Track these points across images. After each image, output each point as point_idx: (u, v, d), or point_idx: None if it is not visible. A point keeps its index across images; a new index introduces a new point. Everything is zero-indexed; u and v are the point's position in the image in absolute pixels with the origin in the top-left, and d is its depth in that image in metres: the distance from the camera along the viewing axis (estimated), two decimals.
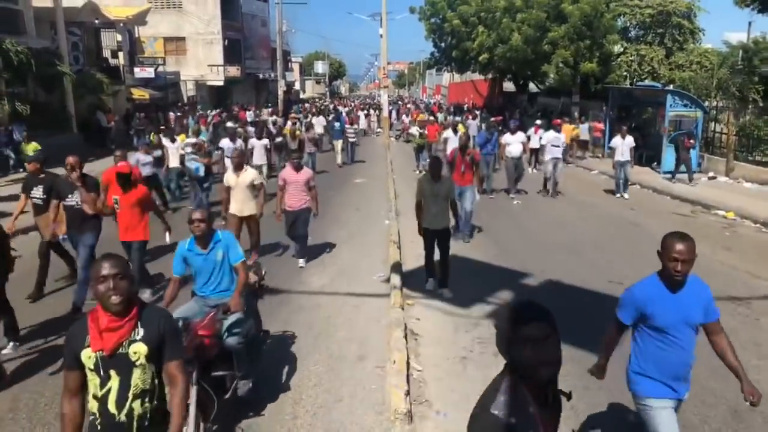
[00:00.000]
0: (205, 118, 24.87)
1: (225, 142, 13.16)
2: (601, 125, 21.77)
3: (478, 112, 28.68)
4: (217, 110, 30.75)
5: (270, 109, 33.60)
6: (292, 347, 5.94)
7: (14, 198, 12.08)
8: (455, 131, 15.48)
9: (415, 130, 17.96)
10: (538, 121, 18.92)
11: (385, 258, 8.96)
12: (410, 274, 8.25)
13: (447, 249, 7.55)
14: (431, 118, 24.28)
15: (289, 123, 19.34)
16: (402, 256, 9.02)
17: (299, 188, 8.36)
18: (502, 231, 10.80)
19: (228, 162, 12.09)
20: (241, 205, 8.31)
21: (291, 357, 5.72)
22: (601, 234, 10.80)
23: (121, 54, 28.73)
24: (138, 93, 28.16)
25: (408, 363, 5.44)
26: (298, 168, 8.44)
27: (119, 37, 28.52)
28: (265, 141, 14.28)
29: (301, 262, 8.68)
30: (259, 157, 13.85)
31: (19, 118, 17.94)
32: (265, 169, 13.73)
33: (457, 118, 24.43)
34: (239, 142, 13.36)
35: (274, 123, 23.00)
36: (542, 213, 12.64)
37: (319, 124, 22.29)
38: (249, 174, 8.39)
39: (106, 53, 28.70)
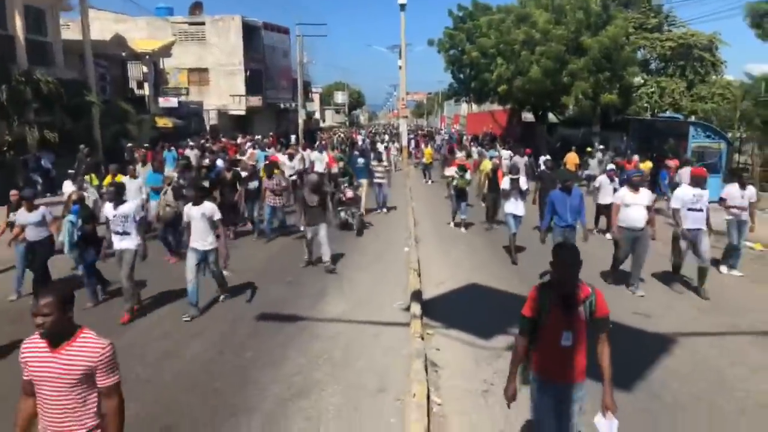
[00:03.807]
0: (183, 149, 21.16)
1: (107, 208, 7.69)
2: (676, 162, 16.02)
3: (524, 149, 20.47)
4: (191, 142, 23.77)
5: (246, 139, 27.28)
6: (312, 376, 5.87)
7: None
8: (514, 172, 11.00)
9: (452, 171, 14.28)
10: (611, 165, 13.81)
11: (405, 285, 8.88)
12: (430, 302, 8.15)
13: None
14: (460, 154, 20.29)
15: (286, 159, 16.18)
16: (422, 283, 8.94)
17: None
18: (525, 262, 10.54)
19: (118, 240, 7.52)
20: None
21: (310, 386, 5.63)
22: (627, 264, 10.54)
23: (146, 84, 29.44)
24: (162, 122, 28.74)
25: (428, 396, 5.33)
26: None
27: (145, 69, 29.25)
28: (206, 208, 7.77)
29: None
30: (200, 237, 7.73)
31: (47, 145, 18.38)
32: (212, 258, 7.84)
33: (496, 153, 19.54)
34: (128, 206, 7.60)
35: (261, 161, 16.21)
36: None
37: (291, 167, 16.68)
38: None
39: (132, 84, 29.45)
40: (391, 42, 49.89)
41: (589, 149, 20.42)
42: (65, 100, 19.30)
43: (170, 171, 13.05)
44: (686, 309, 8.04)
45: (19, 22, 18.76)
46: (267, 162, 14.26)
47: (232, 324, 7.40)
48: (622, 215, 8.61)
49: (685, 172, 13.68)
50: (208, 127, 35.54)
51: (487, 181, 13.81)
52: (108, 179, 11.89)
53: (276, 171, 12.79)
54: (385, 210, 15.82)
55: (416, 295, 8.15)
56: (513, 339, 6.70)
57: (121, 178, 11.67)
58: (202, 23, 38.29)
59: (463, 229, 13.57)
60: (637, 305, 8.01)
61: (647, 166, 15.66)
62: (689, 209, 8.45)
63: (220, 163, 15.05)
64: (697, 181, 8.68)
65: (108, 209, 7.62)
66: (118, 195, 7.66)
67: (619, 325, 7.31)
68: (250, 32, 39.38)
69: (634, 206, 8.51)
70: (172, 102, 30.33)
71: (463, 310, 8.03)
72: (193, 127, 33.13)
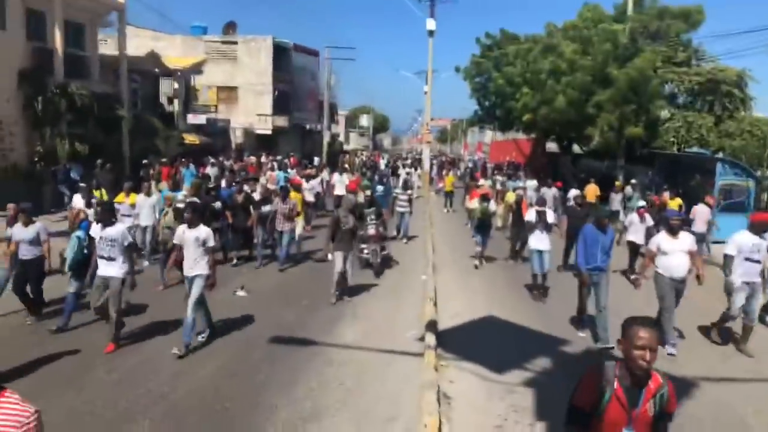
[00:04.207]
0: (205, 165, 21.72)
1: (94, 229, 7.14)
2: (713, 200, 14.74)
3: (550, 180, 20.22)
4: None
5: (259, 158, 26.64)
6: (323, 402, 5.83)
7: (65, 234, 12.51)
8: (540, 204, 10.42)
9: (475, 203, 12.96)
10: (641, 202, 12.81)
11: (420, 314, 8.81)
12: (445, 333, 8.06)
13: None
14: (482, 182, 20.20)
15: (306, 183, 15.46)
16: (438, 313, 8.86)
17: None
18: (548, 300, 10.21)
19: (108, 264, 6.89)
20: None
21: (321, 412, 5.60)
22: (648, 303, 10.28)
23: (176, 101, 30.05)
24: (189, 138, 29.23)
25: (440, 428, 5.25)
26: None
27: (176, 85, 29.90)
28: (201, 232, 7.09)
29: None
30: (190, 262, 7.11)
31: (77, 157, 18.81)
32: (198, 284, 7.02)
33: (520, 184, 19.34)
34: (116, 229, 6.99)
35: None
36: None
37: (309, 190, 16.05)
38: None
39: (163, 99, 30.11)
40: (418, 67, 50.32)
41: (617, 182, 19.98)
42: (97, 113, 19.81)
43: (182, 191, 12.32)
44: (711, 354, 7.82)
45: (58, 36, 19.39)
46: (287, 183, 14.00)
47: (246, 346, 7.40)
48: (661, 264, 7.65)
49: (699, 210, 13.22)
50: (233, 145, 36.02)
51: (510, 214, 13.27)
52: (121, 197, 11.39)
53: (292, 195, 12.12)
54: (405, 240, 15.40)
55: (431, 326, 8.07)
56: (529, 374, 6.63)
57: (135, 197, 11.32)
58: (235, 42, 39.07)
59: (477, 262, 12.62)
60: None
61: (676, 203, 14.20)
62: (746, 259, 7.51)
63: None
64: (758, 228, 7.64)
65: (95, 229, 6.99)
66: (105, 215, 7.01)
67: None
68: (280, 53, 40.05)
69: (673, 253, 7.54)
70: (201, 119, 30.87)
71: (479, 342, 7.92)
72: (219, 144, 33.65)
